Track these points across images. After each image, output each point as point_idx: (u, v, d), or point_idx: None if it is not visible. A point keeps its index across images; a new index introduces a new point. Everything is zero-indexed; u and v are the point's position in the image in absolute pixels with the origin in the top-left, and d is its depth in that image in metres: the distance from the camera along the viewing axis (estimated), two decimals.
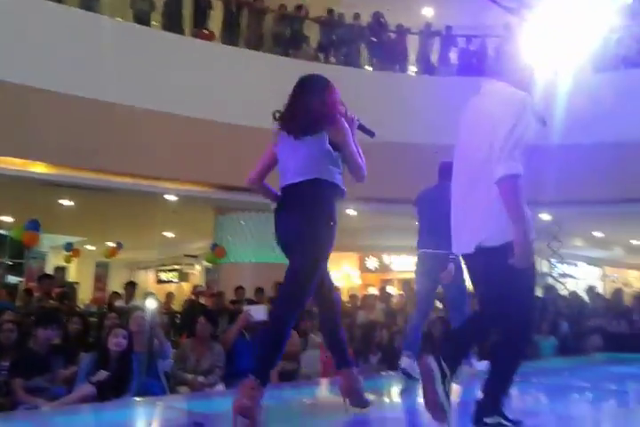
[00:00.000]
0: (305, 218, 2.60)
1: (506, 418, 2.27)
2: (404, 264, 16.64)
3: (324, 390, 4.24)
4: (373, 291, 12.85)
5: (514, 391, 3.70)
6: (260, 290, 8.53)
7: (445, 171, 3.49)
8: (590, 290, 8.96)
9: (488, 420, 2.25)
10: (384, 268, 16.67)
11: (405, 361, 3.92)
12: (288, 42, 10.03)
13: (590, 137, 9.16)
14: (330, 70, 9.91)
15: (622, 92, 9.29)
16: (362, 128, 2.98)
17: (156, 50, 8.52)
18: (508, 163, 2.27)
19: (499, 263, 2.24)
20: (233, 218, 10.02)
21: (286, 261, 2.72)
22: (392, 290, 13.90)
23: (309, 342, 6.30)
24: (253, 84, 8.91)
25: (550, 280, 12.47)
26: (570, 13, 9.13)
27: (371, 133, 3.06)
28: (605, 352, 6.78)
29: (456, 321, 4.08)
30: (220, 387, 4.68)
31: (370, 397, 2.93)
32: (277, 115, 2.74)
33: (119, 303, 8.13)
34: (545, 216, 11.17)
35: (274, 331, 2.55)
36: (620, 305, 7.72)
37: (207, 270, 13.40)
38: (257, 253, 9.78)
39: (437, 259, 3.92)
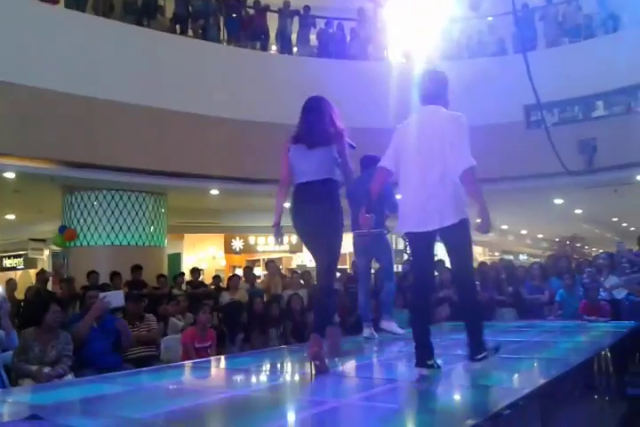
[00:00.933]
0: (332, 209, 3.35)
1: (488, 350, 3.18)
2: (270, 245, 16.75)
3: (187, 374, 4.10)
4: (239, 272, 12.78)
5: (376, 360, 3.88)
6: (116, 274, 8.09)
7: (368, 163, 4.30)
8: (439, 264, 9.57)
9: (481, 356, 3.13)
10: (250, 249, 16.63)
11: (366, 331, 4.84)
12: (141, 11, 9.44)
13: None
14: (185, 43, 9.54)
15: (466, 79, 9.98)
16: None
17: None
18: (468, 159, 3.04)
19: (465, 232, 3.12)
20: (83, 197, 9.35)
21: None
22: (258, 271, 13.93)
23: (170, 326, 6.09)
24: (102, 53, 8.31)
25: (405, 257, 13.21)
26: (418, 3, 9.62)
27: (352, 147, 3.66)
28: (452, 321, 7.30)
29: (385, 289, 4.91)
30: (70, 377, 4.36)
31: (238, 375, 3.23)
32: (299, 135, 3.46)
33: None
34: (399, 196, 11.76)
35: (322, 299, 3.39)
36: None
37: (54, 255, 12.44)
38: (111, 235, 9.24)
39: (370, 237, 4.61)
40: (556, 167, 8.57)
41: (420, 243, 3.20)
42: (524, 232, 20.87)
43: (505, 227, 19.13)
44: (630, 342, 5.40)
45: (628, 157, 8.89)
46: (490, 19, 11.67)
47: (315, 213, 3.32)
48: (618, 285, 6.39)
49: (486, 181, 9.55)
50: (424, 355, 3.07)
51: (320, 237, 3.35)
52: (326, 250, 3.36)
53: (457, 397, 2.88)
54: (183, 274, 9.66)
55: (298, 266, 15.82)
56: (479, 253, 21.42)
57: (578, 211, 14.95)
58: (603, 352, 4.03)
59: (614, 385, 4.45)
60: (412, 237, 3.23)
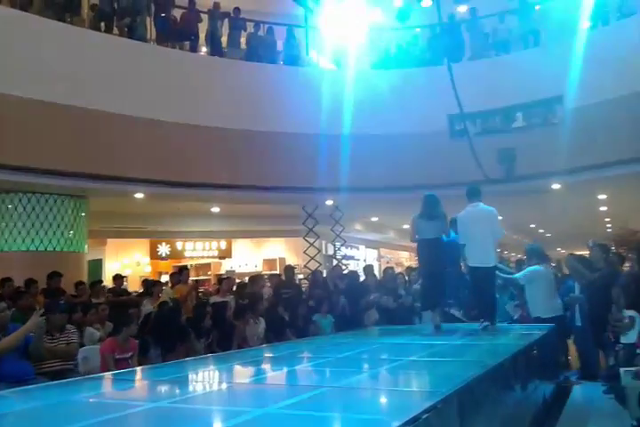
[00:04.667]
0: (439, 250, 6.00)
1: (495, 322, 6.01)
2: (198, 250, 16.46)
3: (106, 386, 3.93)
4: (165, 278, 12.48)
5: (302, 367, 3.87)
6: (32, 282, 7.66)
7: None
8: (367, 268, 9.73)
9: (496, 322, 6.02)
10: (177, 254, 16.28)
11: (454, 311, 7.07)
12: (63, 6, 9.05)
13: (373, 128, 9.93)
14: (109, 40, 9.24)
15: (394, 88, 10.22)
16: None
17: None
18: (501, 234, 6.30)
19: (494, 270, 6.18)
20: None
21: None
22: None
23: (86, 336, 5.82)
24: (18, 49, 7.90)
25: (334, 262, 13.34)
26: (348, 12, 9.77)
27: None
28: (380, 325, 7.43)
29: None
30: None
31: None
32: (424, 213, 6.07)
33: None
34: (329, 202, 11.87)
35: (436, 291, 6.17)
36: (390, 282, 8.51)
37: None
38: (27, 240, 8.77)
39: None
40: (476, 175, 8.89)
41: (479, 271, 5.97)
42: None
43: None
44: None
45: (545, 166, 9.35)
46: (417, 30, 12.02)
47: (432, 252, 6.02)
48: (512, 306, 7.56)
49: (411, 188, 9.88)
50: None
51: (434, 263, 6.06)
52: (438, 268, 6.06)
53: (378, 401, 2.91)
54: (101, 282, 9.29)
55: (227, 271, 15.63)
56: (405, 258, 21.94)
57: (498, 217, 15.55)
58: (517, 354, 4.20)
59: (532, 383, 4.66)
60: (472, 268, 6.03)
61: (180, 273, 9.11)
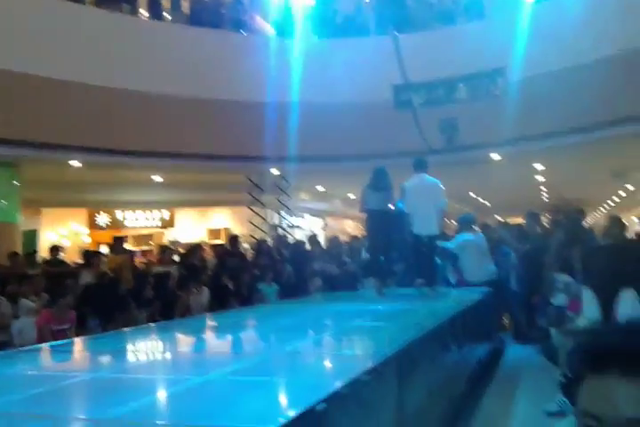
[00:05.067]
0: (388, 220, 6.37)
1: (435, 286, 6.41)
2: (139, 220, 16.07)
3: (43, 358, 3.83)
4: (104, 249, 12.15)
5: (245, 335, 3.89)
6: None
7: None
8: (311, 238, 9.79)
9: (437, 286, 6.45)
10: (117, 224, 15.84)
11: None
12: None
13: (325, 97, 9.85)
14: (48, 3, 8.72)
15: (342, 57, 10.11)
16: None
17: None
18: (444, 203, 6.50)
19: (436, 238, 6.51)
20: None
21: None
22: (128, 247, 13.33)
23: (20, 307, 5.64)
24: None
25: (280, 231, 13.34)
26: None
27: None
28: (325, 292, 7.53)
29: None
30: None
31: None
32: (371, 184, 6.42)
33: None
34: (274, 171, 11.79)
35: (380, 258, 6.65)
36: (334, 250, 8.62)
37: None
38: None
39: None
40: (420, 145, 9.01)
41: (422, 238, 6.26)
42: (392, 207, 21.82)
43: None
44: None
45: (486, 137, 9.56)
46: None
47: (375, 222, 6.39)
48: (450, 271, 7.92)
49: (357, 158, 9.92)
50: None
51: (378, 233, 6.43)
52: (384, 237, 6.42)
53: (321, 365, 2.96)
54: (35, 252, 8.98)
55: (170, 242, 15.37)
56: (351, 227, 22.16)
57: (442, 189, 15.88)
58: (455, 317, 4.35)
59: (468, 345, 4.85)
60: (416, 235, 6.26)
61: (116, 243, 8.93)
